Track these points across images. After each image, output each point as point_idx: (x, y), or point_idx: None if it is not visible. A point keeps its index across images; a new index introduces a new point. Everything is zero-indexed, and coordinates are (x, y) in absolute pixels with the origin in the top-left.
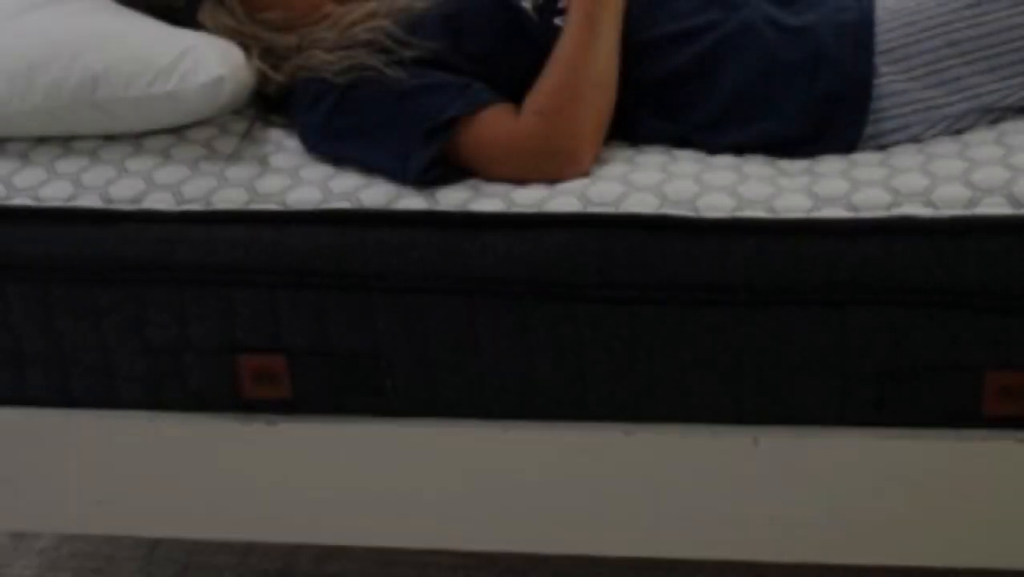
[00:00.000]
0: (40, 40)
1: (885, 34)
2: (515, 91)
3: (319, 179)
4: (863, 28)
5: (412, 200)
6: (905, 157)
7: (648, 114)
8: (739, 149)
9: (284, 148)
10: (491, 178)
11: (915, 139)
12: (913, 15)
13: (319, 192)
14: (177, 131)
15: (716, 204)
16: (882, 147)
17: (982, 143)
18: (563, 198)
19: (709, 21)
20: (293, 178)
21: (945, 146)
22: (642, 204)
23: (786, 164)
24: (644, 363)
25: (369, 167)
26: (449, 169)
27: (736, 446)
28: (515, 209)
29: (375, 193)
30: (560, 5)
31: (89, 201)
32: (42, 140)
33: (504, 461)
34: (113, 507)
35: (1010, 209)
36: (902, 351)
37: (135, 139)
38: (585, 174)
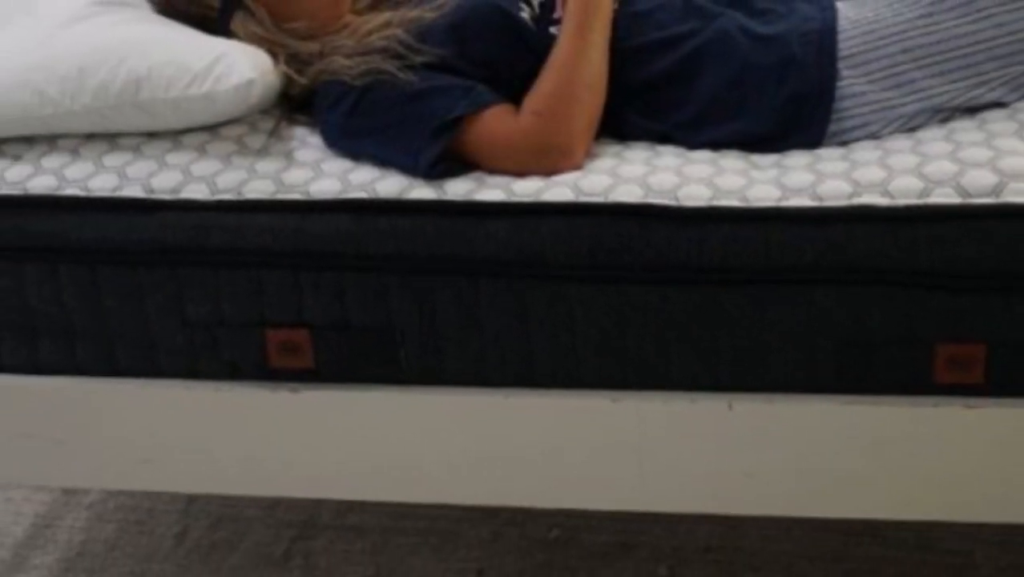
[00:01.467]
0: (89, 46)
1: (846, 42)
2: (515, 93)
3: (339, 172)
4: (827, 36)
5: (422, 191)
6: (864, 152)
7: (634, 114)
8: (716, 145)
9: (307, 144)
10: (493, 171)
11: (873, 136)
12: (871, 24)
13: (339, 183)
14: (212, 129)
15: (695, 194)
16: (844, 143)
17: (933, 139)
18: (558, 189)
19: (689, 30)
20: (315, 171)
21: (900, 142)
22: (629, 194)
23: (758, 158)
24: (630, 337)
25: (384, 161)
26: (455, 163)
27: (712, 411)
28: (515, 199)
29: (389, 184)
30: (555, 15)
31: (133, 191)
32: (90, 137)
33: (505, 425)
34: (154, 466)
35: (958, 199)
36: (861, 326)
37: (174, 136)
38: (578, 167)
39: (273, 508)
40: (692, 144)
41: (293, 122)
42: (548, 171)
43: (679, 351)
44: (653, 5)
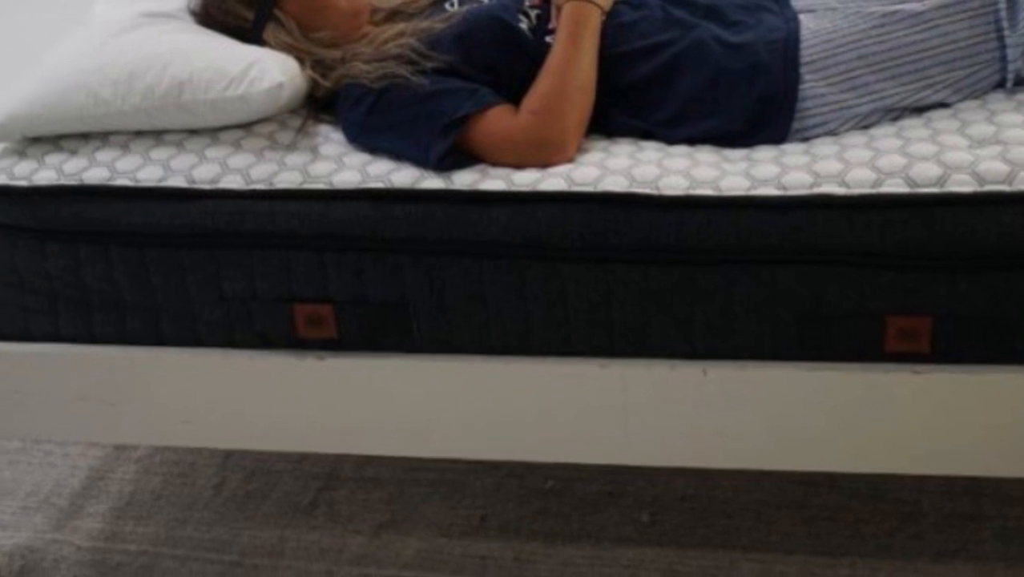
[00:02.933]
0: (138, 53)
1: (808, 49)
2: (514, 94)
3: (359, 164)
4: (791, 44)
5: (432, 181)
6: (824, 147)
7: (620, 113)
8: (692, 140)
9: (331, 140)
10: (495, 164)
11: (832, 133)
12: (830, 34)
13: (359, 175)
14: (246, 126)
15: (673, 184)
16: (806, 139)
17: (885, 136)
18: (552, 179)
19: (669, 39)
20: (338, 163)
21: (856, 138)
22: (615, 184)
23: (729, 152)
24: (616, 310)
25: (398, 155)
26: (462, 156)
27: (689, 376)
28: (514, 188)
29: (403, 175)
30: (550, 26)
31: (176, 182)
32: (139, 133)
33: (505, 388)
34: (195, 425)
35: (907, 189)
36: (820, 301)
37: (213, 133)
38: (570, 160)
39: (301, 462)
40: (671, 140)
41: (318, 120)
42: (544, 163)
43: (660, 323)
44: (637, 16)
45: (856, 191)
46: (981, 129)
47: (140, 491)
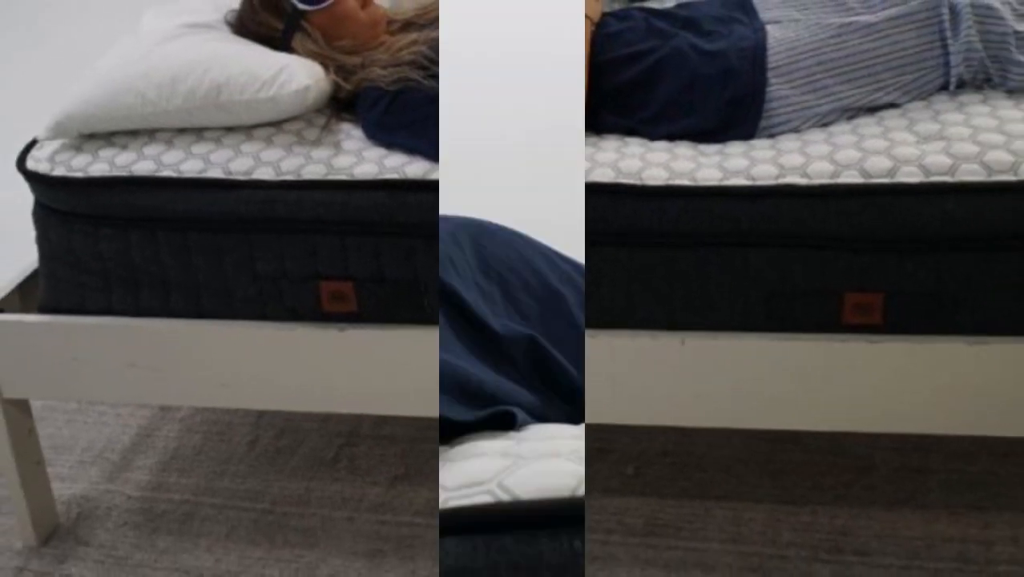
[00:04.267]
0: (180, 60)
1: (774, 56)
2: None
3: (376, 158)
4: (759, 52)
5: None
6: (788, 142)
7: (607, 113)
8: (671, 137)
9: (352, 136)
10: None
11: (795, 130)
12: (794, 42)
13: (376, 167)
14: (276, 124)
15: (655, 175)
16: (772, 136)
17: (842, 133)
18: None
19: (650, 47)
20: (358, 157)
21: (816, 135)
22: (603, 175)
23: (704, 147)
24: (604, 287)
25: (411, 150)
26: None
27: (669, 346)
28: None
29: (416, 168)
30: None
31: (215, 173)
32: (182, 131)
33: None
34: (231, 388)
35: (862, 179)
36: (785, 279)
37: (247, 130)
38: None
39: (325, 421)
40: (653, 136)
41: (340, 119)
42: None
43: (643, 299)
44: (622, 27)
45: (817, 181)
46: (927, 127)
47: (183, 447)
